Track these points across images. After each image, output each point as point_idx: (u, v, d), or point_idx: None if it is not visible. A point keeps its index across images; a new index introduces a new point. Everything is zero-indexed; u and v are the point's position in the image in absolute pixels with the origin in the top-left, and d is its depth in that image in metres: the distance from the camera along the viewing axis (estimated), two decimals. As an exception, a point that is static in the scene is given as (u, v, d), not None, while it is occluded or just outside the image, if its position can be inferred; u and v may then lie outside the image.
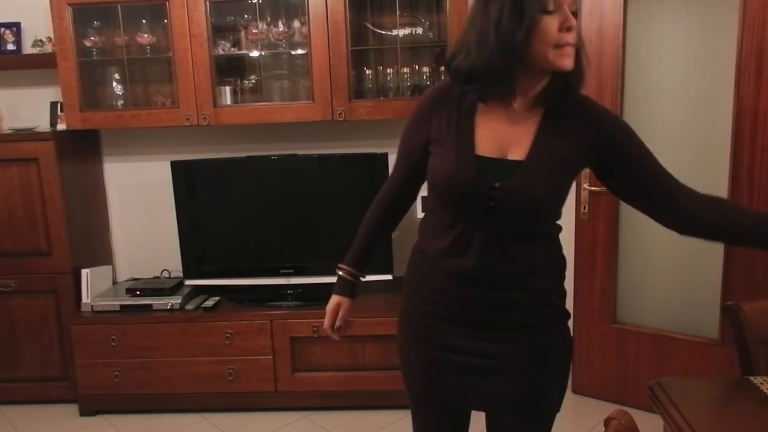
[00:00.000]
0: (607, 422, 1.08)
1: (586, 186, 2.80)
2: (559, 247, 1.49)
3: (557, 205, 1.37)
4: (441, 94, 1.38)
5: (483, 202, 1.29)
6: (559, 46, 1.20)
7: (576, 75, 1.27)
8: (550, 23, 1.19)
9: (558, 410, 1.47)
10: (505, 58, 1.21)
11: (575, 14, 1.22)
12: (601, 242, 2.83)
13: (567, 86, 1.28)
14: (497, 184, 1.28)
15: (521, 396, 1.40)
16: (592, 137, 1.33)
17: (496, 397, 1.41)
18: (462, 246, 1.34)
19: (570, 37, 1.20)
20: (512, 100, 1.29)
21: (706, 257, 2.62)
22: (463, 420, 1.55)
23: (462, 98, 1.34)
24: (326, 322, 1.60)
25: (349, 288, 1.59)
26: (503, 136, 1.31)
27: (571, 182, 1.35)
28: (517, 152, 1.30)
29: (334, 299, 1.59)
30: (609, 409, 1.34)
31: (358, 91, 2.90)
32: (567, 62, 1.22)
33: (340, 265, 1.60)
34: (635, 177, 1.38)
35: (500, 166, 1.29)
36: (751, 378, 1.55)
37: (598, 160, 1.36)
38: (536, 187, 1.28)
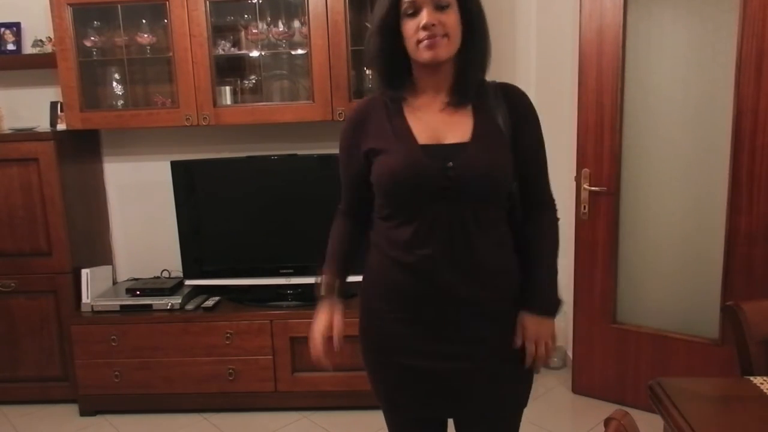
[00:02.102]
0: (607, 422, 1.08)
1: (586, 186, 2.80)
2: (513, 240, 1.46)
3: (506, 179, 1.39)
4: (361, 113, 1.47)
5: (438, 184, 1.33)
6: (419, 41, 1.33)
7: (471, 60, 1.41)
8: (410, 25, 1.33)
9: (525, 406, 1.51)
10: (383, 60, 1.39)
11: (443, 7, 1.32)
12: (601, 242, 2.83)
13: (466, 72, 1.40)
14: (450, 164, 1.33)
15: (493, 399, 1.42)
16: (510, 112, 1.42)
17: (466, 403, 1.41)
18: (421, 238, 1.35)
19: (422, 34, 1.32)
20: (417, 98, 1.41)
21: (706, 257, 2.62)
22: (440, 429, 1.54)
23: (387, 105, 1.43)
24: (326, 348, 1.49)
25: (340, 296, 1.56)
26: (438, 126, 1.39)
27: (511, 158, 1.40)
28: (457, 136, 1.37)
29: (332, 311, 1.53)
30: (609, 409, 1.35)
31: (358, 91, 2.90)
32: (425, 55, 1.34)
33: (325, 272, 1.57)
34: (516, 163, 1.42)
35: (444, 150, 1.36)
36: (751, 378, 1.55)
37: (513, 135, 1.42)
38: (486, 159, 1.35)
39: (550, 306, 1.42)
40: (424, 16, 1.32)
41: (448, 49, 1.35)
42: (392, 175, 1.36)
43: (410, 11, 1.34)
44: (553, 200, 1.51)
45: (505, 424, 1.49)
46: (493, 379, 1.41)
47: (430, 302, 1.37)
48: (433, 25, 1.32)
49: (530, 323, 1.39)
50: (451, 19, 1.35)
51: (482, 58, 1.45)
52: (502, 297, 1.41)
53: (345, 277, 1.56)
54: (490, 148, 1.37)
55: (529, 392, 1.51)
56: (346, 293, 1.55)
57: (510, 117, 1.41)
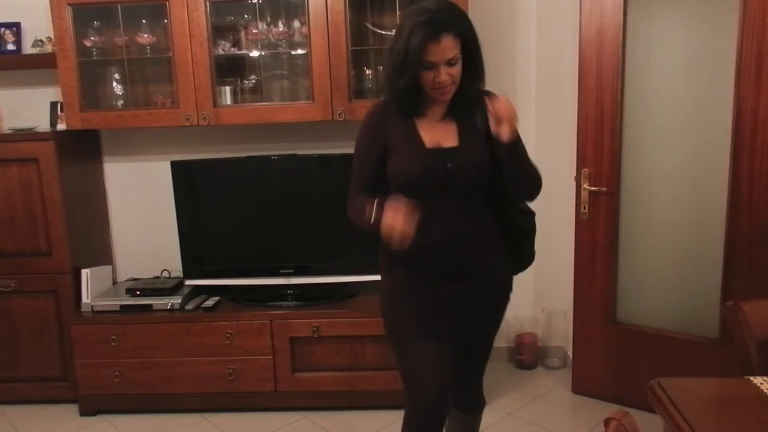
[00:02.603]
0: (607, 422, 1.08)
1: (586, 186, 2.80)
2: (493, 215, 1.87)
3: (487, 170, 1.77)
4: (382, 112, 1.81)
5: (441, 179, 1.74)
6: (434, 89, 1.70)
7: (466, 93, 1.77)
8: (428, 75, 1.68)
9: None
10: (396, 95, 1.74)
11: (455, 62, 1.67)
12: (601, 242, 2.83)
13: (465, 99, 1.78)
14: (449, 165, 1.74)
15: (489, 326, 1.95)
16: (484, 114, 1.75)
17: (472, 331, 1.91)
18: (433, 216, 1.74)
19: (437, 85, 1.69)
20: (423, 114, 1.78)
21: (706, 257, 2.62)
22: (448, 353, 1.86)
23: (401, 112, 1.78)
24: (399, 219, 1.58)
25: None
26: (436, 134, 1.77)
27: (487, 152, 1.76)
28: (450, 142, 1.77)
29: (392, 203, 1.63)
30: (609, 409, 1.35)
31: (358, 91, 2.90)
32: (439, 98, 1.74)
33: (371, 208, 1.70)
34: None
35: (444, 153, 1.75)
36: (751, 378, 1.55)
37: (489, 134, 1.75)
38: (474, 158, 1.76)
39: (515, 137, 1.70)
40: (440, 74, 1.67)
41: (454, 90, 1.73)
42: (407, 172, 1.75)
43: (429, 67, 1.67)
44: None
45: (486, 355, 2.01)
46: (489, 317, 1.93)
47: (443, 262, 1.79)
48: (446, 80, 1.68)
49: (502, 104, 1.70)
50: (458, 69, 1.70)
51: (478, 83, 1.80)
52: (491, 251, 1.87)
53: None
54: (474, 149, 1.76)
55: (501, 322, 1.99)
56: None
57: (486, 119, 1.74)
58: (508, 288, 1.96)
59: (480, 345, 1.98)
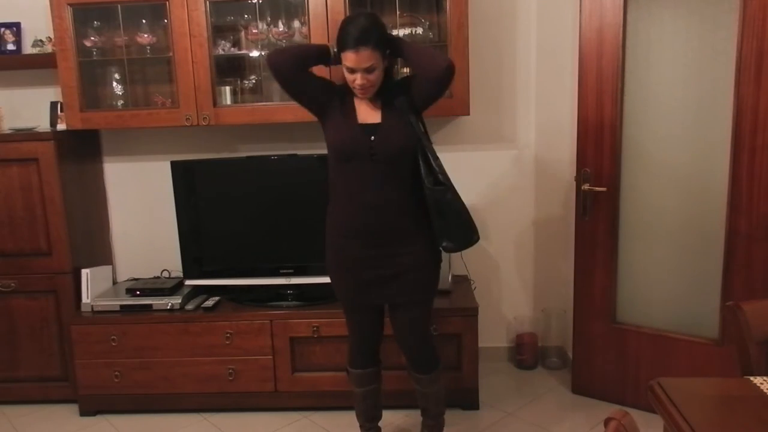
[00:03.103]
0: (607, 422, 1.08)
1: (586, 186, 2.80)
2: (415, 189, 2.14)
3: (409, 144, 2.10)
4: (339, 86, 2.19)
5: (366, 150, 2.08)
6: (354, 88, 2.08)
7: (390, 85, 2.14)
8: (350, 77, 2.06)
9: (432, 301, 2.27)
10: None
11: (372, 69, 2.02)
12: (601, 242, 2.83)
13: (392, 84, 2.16)
14: (373, 138, 2.08)
15: (412, 292, 2.18)
16: (406, 93, 2.12)
17: (396, 294, 2.18)
18: (360, 184, 2.10)
19: (356, 87, 2.06)
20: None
21: (706, 257, 2.63)
22: (379, 314, 2.30)
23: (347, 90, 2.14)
24: None
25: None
26: (367, 112, 2.14)
27: (413, 126, 2.10)
28: (375, 119, 2.13)
29: None
30: (609, 409, 1.35)
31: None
32: (360, 96, 2.11)
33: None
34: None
35: (367, 128, 2.11)
36: (751, 378, 1.55)
37: (416, 108, 2.13)
38: (396, 133, 2.09)
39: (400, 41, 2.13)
40: (357, 78, 2.03)
41: (373, 90, 2.10)
42: (339, 142, 2.11)
43: (349, 70, 2.04)
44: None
45: (420, 310, 2.22)
46: (412, 279, 2.16)
47: (370, 228, 2.12)
48: (364, 84, 2.04)
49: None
50: (376, 75, 2.05)
51: (392, 74, 2.18)
52: (410, 219, 2.14)
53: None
54: (395, 126, 2.09)
55: (435, 291, 2.26)
56: None
57: (408, 98, 2.10)
58: (427, 256, 2.18)
59: (406, 306, 2.20)
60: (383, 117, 2.12)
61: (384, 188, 2.10)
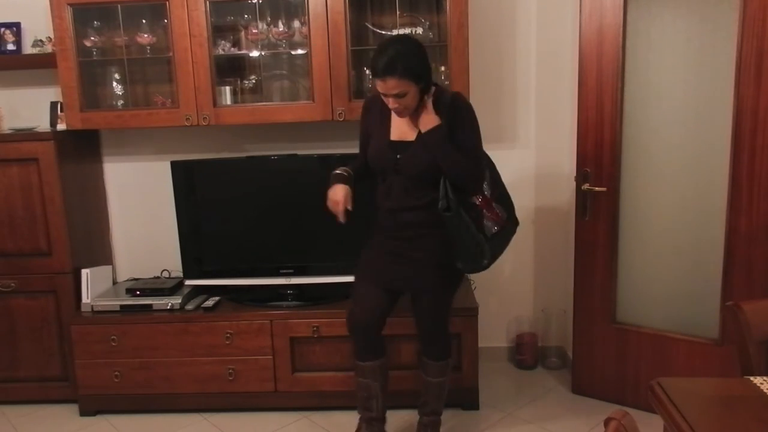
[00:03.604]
0: (607, 422, 1.08)
1: (586, 186, 2.80)
2: (437, 194, 2.22)
3: (432, 167, 2.19)
4: (369, 103, 2.38)
5: (392, 166, 2.25)
6: (391, 109, 2.18)
7: (437, 102, 2.20)
8: (384, 99, 2.16)
9: (453, 290, 2.42)
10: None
11: (400, 96, 2.10)
12: (601, 242, 2.83)
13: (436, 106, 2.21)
14: (399, 156, 2.23)
15: (430, 280, 2.31)
16: (452, 118, 2.19)
17: (417, 281, 2.32)
18: (386, 192, 2.29)
19: (391, 108, 2.17)
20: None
21: (706, 257, 2.63)
22: (393, 297, 2.40)
23: (384, 105, 2.22)
24: (341, 206, 2.25)
25: (347, 179, 2.30)
26: (403, 127, 2.25)
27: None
28: (410, 136, 2.23)
29: (341, 187, 2.27)
30: (609, 409, 1.35)
31: (358, 91, 2.90)
32: (397, 115, 2.21)
33: (337, 170, 2.33)
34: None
35: (398, 145, 2.25)
36: (751, 378, 1.55)
37: (451, 135, 2.19)
38: (419, 154, 2.20)
39: (438, 132, 2.18)
40: (389, 102, 2.14)
41: (409, 112, 2.19)
42: (371, 157, 2.31)
43: (382, 94, 2.14)
44: (483, 169, 2.29)
45: (434, 297, 2.36)
46: (420, 269, 2.30)
47: (394, 227, 2.30)
48: (397, 107, 2.14)
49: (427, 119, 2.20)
50: (409, 99, 2.12)
51: (431, 86, 2.20)
52: (427, 226, 2.26)
53: (353, 178, 2.32)
54: (433, 137, 2.17)
55: (450, 284, 2.39)
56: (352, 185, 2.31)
57: (450, 122, 2.18)
58: (441, 261, 2.29)
59: (421, 297, 2.37)
60: (418, 136, 2.21)
61: (407, 198, 2.25)
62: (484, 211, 2.28)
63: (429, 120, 2.16)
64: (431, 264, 2.30)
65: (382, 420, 2.51)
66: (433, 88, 2.21)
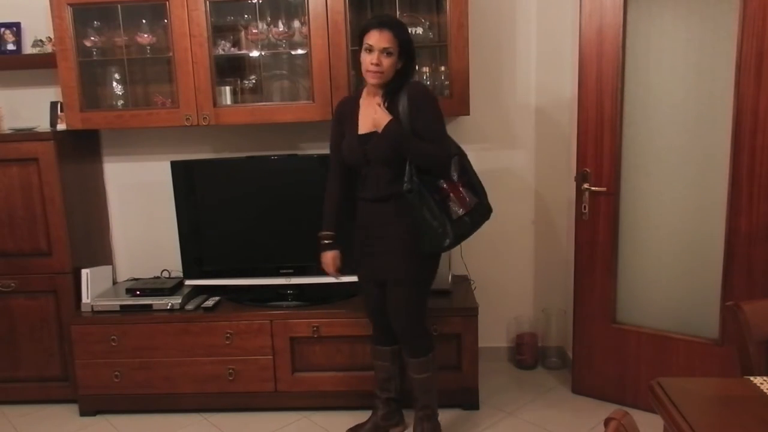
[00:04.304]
0: (607, 422, 1.08)
1: (586, 186, 2.80)
2: (403, 182, 2.30)
3: (396, 157, 2.28)
4: (340, 106, 2.50)
5: (362, 158, 2.35)
6: (368, 71, 2.25)
7: (397, 80, 2.29)
8: (366, 57, 2.24)
9: (418, 288, 2.41)
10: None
11: (389, 53, 2.22)
12: (601, 242, 2.83)
13: (391, 92, 2.31)
14: (366, 147, 2.33)
15: (396, 270, 2.37)
16: (409, 103, 2.28)
17: (386, 271, 2.40)
18: (363, 182, 2.40)
19: (370, 67, 2.23)
20: (365, 94, 2.39)
21: (706, 257, 2.63)
22: (381, 288, 2.45)
23: (354, 102, 2.41)
24: (332, 270, 2.54)
25: (333, 243, 2.52)
26: (369, 119, 2.34)
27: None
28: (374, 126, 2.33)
29: (329, 254, 2.52)
30: (609, 409, 1.35)
31: (357, 91, 2.90)
32: (370, 80, 2.28)
33: (322, 233, 2.52)
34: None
35: (365, 137, 2.35)
36: (751, 378, 1.55)
37: (412, 118, 2.28)
38: (381, 149, 2.30)
39: (397, 127, 2.26)
40: (375, 57, 2.22)
41: (383, 79, 2.26)
42: (344, 153, 2.42)
43: (367, 48, 2.23)
44: (443, 149, 2.32)
45: (401, 289, 2.39)
46: (390, 258, 2.37)
47: (368, 216, 2.42)
48: (378, 65, 2.22)
49: (380, 113, 2.29)
50: (390, 61, 2.23)
51: (407, 79, 2.31)
52: (401, 213, 2.33)
53: (338, 228, 2.51)
54: (390, 134, 2.26)
55: (419, 277, 2.41)
56: (342, 252, 2.54)
57: (409, 107, 2.27)
58: (411, 246, 2.33)
59: (392, 289, 2.40)
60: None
61: (378, 188, 2.35)
62: (451, 194, 2.34)
63: (380, 118, 2.26)
64: (398, 252, 2.35)
65: (400, 401, 2.67)
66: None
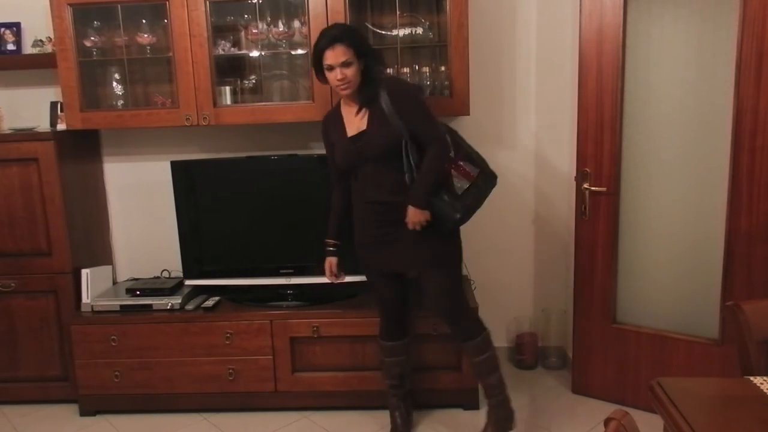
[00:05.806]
0: (607, 422, 1.08)
1: (586, 186, 2.80)
2: (404, 176, 2.36)
3: (391, 145, 2.33)
4: (326, 118, 2.53)
5: (354, 159, 2.39)
6: (337, 86, 2.32)
7: (371, 88, 2.35)
8: (330, 75, 2.30)
9: (456, 266, 2.47)
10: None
11: (348, 64, 2.26)
12: (601, 242, 2.83)
13: (369, 90, 2.35)
14: (358, 146, 2.36)
15: (419, 256, 2.40)
16: (391, 99, 2.32)
17: (401, 261, 2.44)
18: (359, 182, 2.43)
19: (337, 83, 2.30)
20: (344, 104, 2.44)
21: (706, 257, 2.63)
22: (397, 280, 2.52)
23: (337, 111, 2.47)
24: (327, 274, 2.65)
25: (335, 252, 2.62)
26: (354, 123, 2.39)
27: (400, 133, 2.31)
28: (363, 126, 2.37)
29: (327, 259, 2.63)
30: (609, 409, 1.36)
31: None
32: (342, 93, 2.36)
33: (327, 240, 2.62)
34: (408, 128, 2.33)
35: (355, 138, 2.38)
36: (751, 378, 1.55)
37: (397, 112, 2.31)
38: (375, 137, 2.34)
39: (419, 201, 2.31)
40: (338, 73, 2.27)
41: (353, 87, 2.32)
42: (337, 160, 2.47)
43: (327, 67, 2.29)
44: (437, 138, 2.34)
45: (434, 270, 2.41)
46: (411, 247, 2.39)
47: (372, 215, 2.43)
48: (343, 78, 2.27)
49: (409, 211, 2.33)
50: (352, 70, 2.28)
51: (374, 78, 2.34)
52: (400, 205, 2.35)
53: (341, 238, 2.61)
54: (379, 128, 2.33)
55: (450, 256, 2.45)
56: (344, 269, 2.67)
57: (391, 104, 2.31)
58: (429, 235, 2.35)
59: (423, 276, 2.41)
60: (369, 123, 2.35)
61: (381, 184, 2.38)
62: (453, 171, 2.39)
63: (413, 215, 2.32)
64: (420, 239, 2.36)
65: (409, 391, 2.74)
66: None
